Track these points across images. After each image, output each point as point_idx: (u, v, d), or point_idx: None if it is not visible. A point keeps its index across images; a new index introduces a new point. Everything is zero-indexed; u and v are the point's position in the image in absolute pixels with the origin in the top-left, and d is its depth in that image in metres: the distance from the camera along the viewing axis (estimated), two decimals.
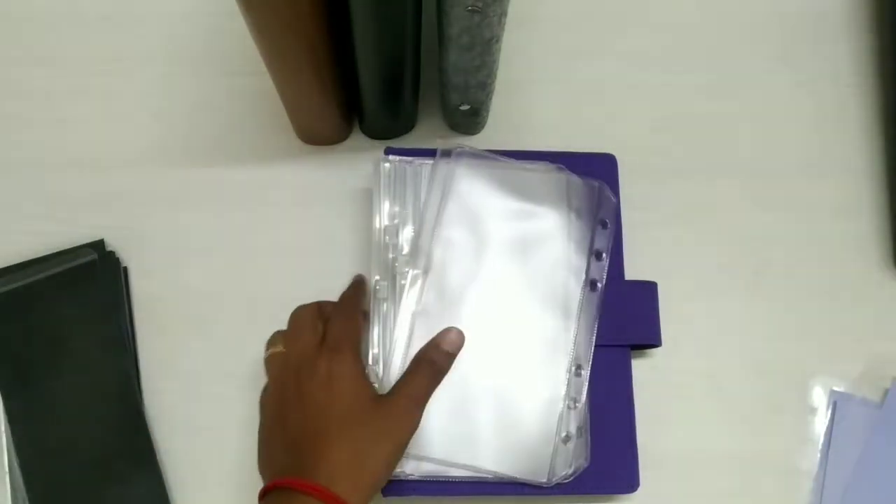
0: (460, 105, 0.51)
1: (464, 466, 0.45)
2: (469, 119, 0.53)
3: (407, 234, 0.48)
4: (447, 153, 0.49)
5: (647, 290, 0.50)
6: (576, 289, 0.48)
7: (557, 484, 0.46)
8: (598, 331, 0.48)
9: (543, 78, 0.57)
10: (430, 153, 0.50)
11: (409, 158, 0.50)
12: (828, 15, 0.59)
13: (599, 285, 0.49)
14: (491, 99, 0.52)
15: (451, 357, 0.44)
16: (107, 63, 0.57)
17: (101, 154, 0.54)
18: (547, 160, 0.51)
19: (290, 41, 0.42)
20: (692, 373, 0.51)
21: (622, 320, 0.49)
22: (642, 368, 0.50)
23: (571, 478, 0.46)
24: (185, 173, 0.54)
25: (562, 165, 0.51)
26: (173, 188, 0.53)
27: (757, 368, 0.51)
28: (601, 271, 0.49)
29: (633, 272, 0.51)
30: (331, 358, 0.41)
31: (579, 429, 0.46)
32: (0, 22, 0.58)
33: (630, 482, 0.47)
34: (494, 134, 0.55)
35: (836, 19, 0.59)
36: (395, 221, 0.48)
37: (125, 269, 0.52)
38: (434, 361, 0.44)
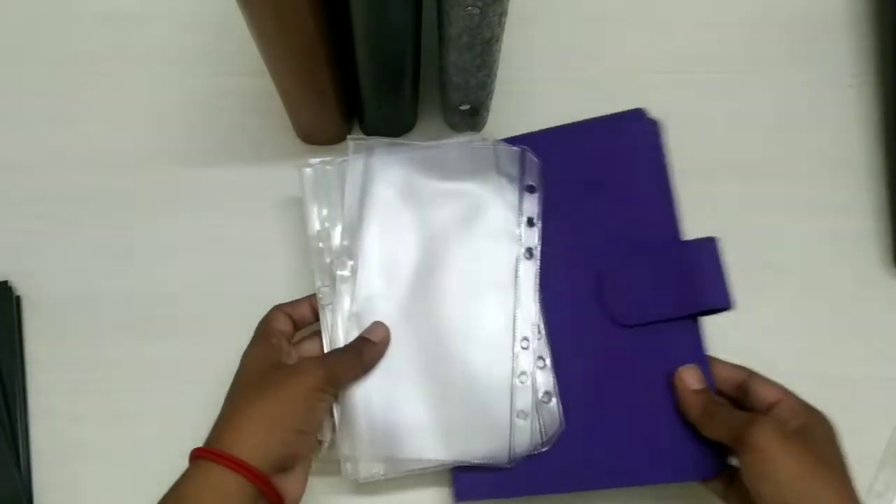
0: (460, 105, 0.51)
1: (427, 461, 0.45)
2: (469, 119, 0.53)
3: (337, 234, 0.48)
4: (359, 149, 0.49)
5: (706, 249, 0.46)
6: (512, 258, 0.47)
7: (630, 472, 0.44)
8: (657, 304, 0.45)
9: (543, 78, 0.57)
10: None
11: (329, 158, 0.49)
12: (828, 15, 0.59)
13: (535, 252, 0.48)
14: (491, 99, 0.52)
15: (374, 346, 0.45)
16: (107, 63, 0.57)
17: (101, 154, 0.54)
18: (564, 131, 0.49)
19: (290, 41, 0.42)
20: None
21: (682, 287, 0.45)
22: None
23: (544, 447, 0.45)
24: (185, 173, 0.54)
25: (486, 136, 0.50)
26: (173, 188, 0.53)
27: (756, 368, 0.51)
28: (534, 238, 0.48)
29: None
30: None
31: (540, 399, 0.45)
32: (0, 22, 0.58)
33: (713, 464, 0.44)
34: (494, 134, 0.55)
35: (836, 19, 0.59)
36: (326, 225, 0.48)
37: (18, 298, 0.51)
38: (352, 346, 0.45)
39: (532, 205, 0.48)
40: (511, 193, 0.48)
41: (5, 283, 0.51)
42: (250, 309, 0.51)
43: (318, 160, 0.49)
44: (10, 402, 0.48)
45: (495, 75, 0.49)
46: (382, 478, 0.45)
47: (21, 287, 0.51)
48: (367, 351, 0.45)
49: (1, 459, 0.47)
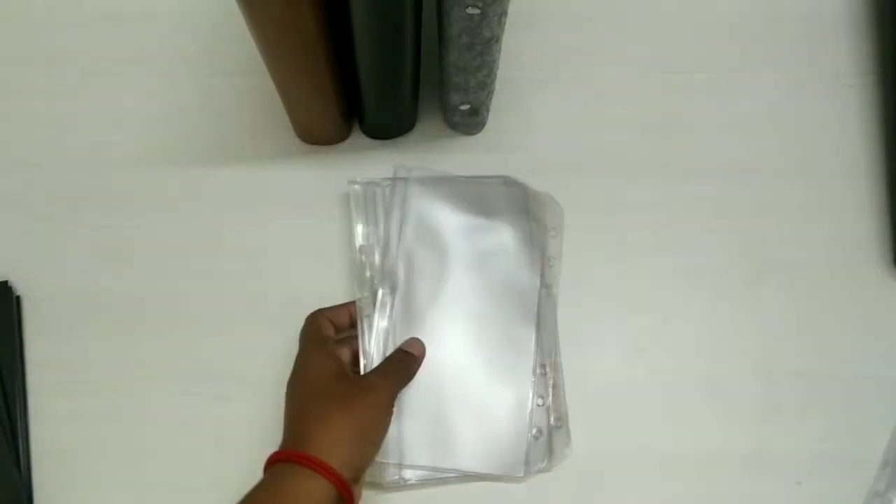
0: (460, 105, 0.51)
1: (447, 470, 0.47)
2: (469, 119, 0.53)
3: (379, 253, 0.51)
4: (402, 176, 0.52)
5: None
6: (536, 293, 0.50)
7: None
8: None
9: (543, 78, 0.57)
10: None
11: (378, 179, 0.52)
12: (828, 15, 0.59)
13: (555, 290, 0.51)
14: (491, 99, 0.52)
15: (416, 360, 0.47)
16: (107, 63, 0.57)
17: (101, 154, 0.54)
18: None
19: (290, 41, 0.42)
20: (691, 373, 0.50)
21: None
22: (641, 369, 0.50)
23: (554, 465, 0.48)
24: (185, 173, 0.54)
25: (515, 178, 0.53)
26: (173, 188, 0.53)
27: (756, 368, 0.51)
28: (555, 276, 0.51)
29: (628, 273, 0.51)
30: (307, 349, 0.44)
31: (552, 424, 0.48)
32: (0, 22, 0.58)
33: None
34: (494, 134, 0.55)
35: (836, 19, 0.59)
36: (370, 241, 0.51)
37: (18, 298, 0.51)
38: (400, 359, 0.47)
39: (555, 246, 0.52)
40: (538, 234, 0.52)
41: (5, 283, 0.51)
42: (249, 308, 0.51)
43: (366, 179, 0.52)
44: (10, 402, 0.48)
45: (495, 75, 0.49)
46: (405, 483, 0.47)
47: (21, 287, 0.51)
48: (411, 365, 0.47)
49: (1, 459, 0.47)
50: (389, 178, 0.52)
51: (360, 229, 0.51)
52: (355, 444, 0.41)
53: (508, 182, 0.53)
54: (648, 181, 0.54)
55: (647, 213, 0.53)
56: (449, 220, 0.51)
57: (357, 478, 0.41)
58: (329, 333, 0.46)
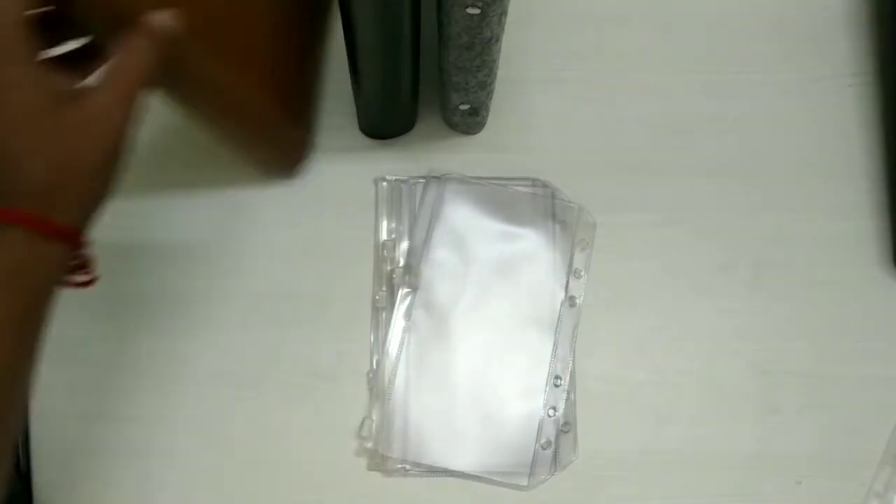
0: (460, 105, 0.51)
1: (450, 471, 0.47)
2: (469, 119, 0.53)
3: (403, 249, 0.51)
4: (436, 178, 0.52)
5: None
6: (557, 305, 0.50)
7: None
8: None
9: (543, 78, 0.57)
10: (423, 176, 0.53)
11: (405, 177, 0.53)
12: (828, 15, 0.59)
13: (579, 302, 0.51)
14: (491, 99, 0.52)
15: (157, 40, 0.35)
16: None
17: None
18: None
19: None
20: (692, 373, 0.51)
21: None
22: (641, 369, 0.50)
23: (558, 471, 0.47)
24: (184, 173, 0.54)
25: (548, 181, 0.53)
26: (173, 188, 0.53)
27: (756, 368, 0.51)
28: (580, 289, 0.51)
29: (627, 273, 0.51)
30: None
31: (560, 429, 0.48)
32: None
33: None
34: (494, 134, 0.55)
35: (837, 19, 0.59)
36: (393, 237, 0.51)
37: None
38: (133, 51, 0.35)
39: (582, 259, 0.52)
40: (564, 244, 0.52)
41: None
42: (250, 307, 0.51)
43: (393, 177, 0.53)
44: None
45: (495, 75, 0.49)
46: (406, 475, 0.47)
47: None
48: (151, 52, 0.35)
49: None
50: (419, 177, 0.53)
51: (384, 225, 0.52)
52: (90, 183, 0.34)
53: (536, 184, 0.53)
54: (647, 181, 0.54)
55: (646, 212, 0.53)
56: (477, 224, 0.52)
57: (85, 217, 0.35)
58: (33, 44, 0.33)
